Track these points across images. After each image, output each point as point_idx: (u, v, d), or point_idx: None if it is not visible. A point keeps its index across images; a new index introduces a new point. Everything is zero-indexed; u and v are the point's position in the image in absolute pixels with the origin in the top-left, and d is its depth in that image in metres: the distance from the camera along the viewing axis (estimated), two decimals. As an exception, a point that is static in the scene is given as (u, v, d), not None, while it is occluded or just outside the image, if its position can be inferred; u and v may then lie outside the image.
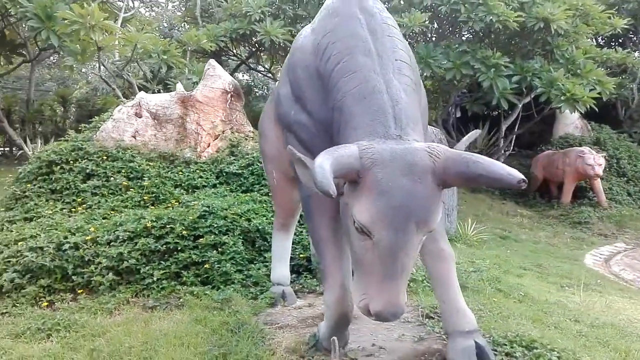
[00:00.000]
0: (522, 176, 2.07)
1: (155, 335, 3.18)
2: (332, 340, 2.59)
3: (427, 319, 3.34)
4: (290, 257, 4.20)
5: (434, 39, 12.78)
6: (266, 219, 4.88)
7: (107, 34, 8.66)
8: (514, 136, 13.87)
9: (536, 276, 6.04)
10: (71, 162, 5.67)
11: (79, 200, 5.33)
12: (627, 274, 7.43)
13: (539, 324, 3.58)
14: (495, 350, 2.73)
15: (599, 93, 10.75)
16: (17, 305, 3.92)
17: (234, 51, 14.02)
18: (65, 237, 4.37)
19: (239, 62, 14.28)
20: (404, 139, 2.28)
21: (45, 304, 3.96)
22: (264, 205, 5.15)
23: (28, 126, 12.30)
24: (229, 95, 6.37)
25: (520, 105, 12.51)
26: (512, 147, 13.81)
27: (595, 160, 11.46)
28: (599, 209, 11.71)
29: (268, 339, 3.08)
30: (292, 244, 4.27)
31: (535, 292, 4.79)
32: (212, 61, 6.75)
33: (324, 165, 2.03)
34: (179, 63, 10.05)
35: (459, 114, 16.90)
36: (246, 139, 6.35)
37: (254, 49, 13.78)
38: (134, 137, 6.02)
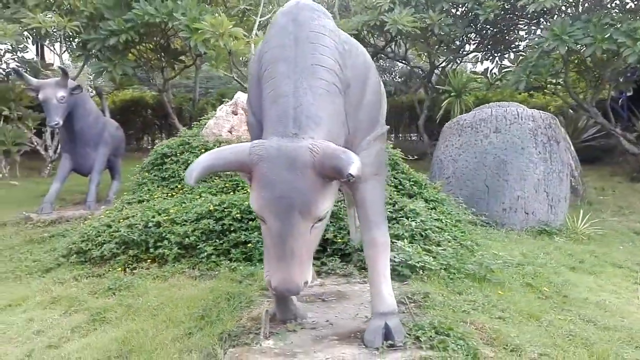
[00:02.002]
0: (352, 171, 2.25)
1: (175, 297, 3.92)
2: (265, 312, 3.01)
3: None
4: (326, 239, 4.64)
5: (577, 13, 11.60)
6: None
7: (235, 40, 9.80)
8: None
9: (624, 274, 5.46)
10: (178, 154, 6.79)
11: (179, 186, 6.40)
12: None
13: (530, 319, 3.48)
14: (408, 334, 2.86)
15: None
16: (111, 270, 5.01)
17: (371, 41, 14.44)
18: (153, 217, 5.38)
19: (374, 52, 14.65)
20: (299, 137, 2.58)
21: (130, 270, 5.00)
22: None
23: (193, 122, 14.45)
24: (238, 109, 6.92)
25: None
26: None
27: None
28: None
29: (251, 308, 3.59)
30: (333, 227, 4.73)
31: (584, 291, 4.46)
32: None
33: (201, 159, 2.48)
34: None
35: (630, 93, 14.97)
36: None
37: (388, 39, 14.05)
38: (230, 132, 6.92)
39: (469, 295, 3.79)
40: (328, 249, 4.98)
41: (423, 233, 5.10)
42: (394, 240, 4.54)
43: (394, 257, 4.24)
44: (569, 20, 10.34)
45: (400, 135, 18.63)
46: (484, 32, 13.64)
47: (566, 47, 10.00)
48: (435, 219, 5.56)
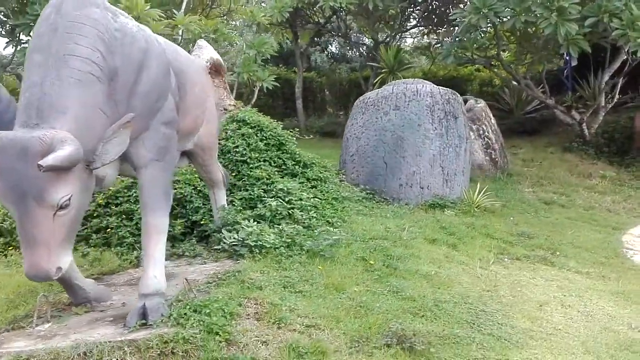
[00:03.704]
0: (43, 162, 2.38)
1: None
2: (40, 295, 3.19)
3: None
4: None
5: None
6: (194, 188, 5.49)
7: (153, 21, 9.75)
8: (618, 87, 12.06)
9: (490, 246, 5.68)
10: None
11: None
12: None
13: (333, 291, 3.67)
14: (171, 314, 3.02)
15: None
16: None
17: (315, 20, 14.42)
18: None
19: (314, 29, 14.67)
20: (40, 127, 2.68)
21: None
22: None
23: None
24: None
25: (626, 50, 10.79)
26: (614, 99, 12.02)
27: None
28: None
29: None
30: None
31: (423, 263, 4.67)
32: (200, 41, 7.39)
33: None
34: (230, 39, 10.86)
35: (574, 63, 15.08)
36: (225, 112, 6.92)
37: (328, 15, 14.04)
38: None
39: (291, 272, 3.97)
40: (195, 231, 5.15)
41: (289, 212, 5.27)
42: (242, 220, 4.71)
43: (234, 237, 4.40)
44: (490, -7, 10.38)
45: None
46: (420, 7, 13.67)
47: (487, 21, 10.09)
48: (312, 197, 5.72)
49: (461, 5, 14.06)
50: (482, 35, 11.75)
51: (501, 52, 12.63)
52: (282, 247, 4.44)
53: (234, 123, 6.35)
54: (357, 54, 18.48)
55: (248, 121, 6.41)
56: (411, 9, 14.14)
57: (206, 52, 7.26)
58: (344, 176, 7.58)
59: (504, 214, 7.47)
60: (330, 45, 20.99)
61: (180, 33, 10.35)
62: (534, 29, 10.85)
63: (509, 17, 10.13)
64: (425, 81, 8.29)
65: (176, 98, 3.52)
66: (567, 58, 14.76)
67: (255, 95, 12.17)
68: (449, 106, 7.65)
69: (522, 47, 12.63)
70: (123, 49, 3.10)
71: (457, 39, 11.20)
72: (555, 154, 12.00)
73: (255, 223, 4.74)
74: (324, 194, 6.09)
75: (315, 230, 4.74)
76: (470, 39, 11.02)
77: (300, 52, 15.25)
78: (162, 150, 3.32)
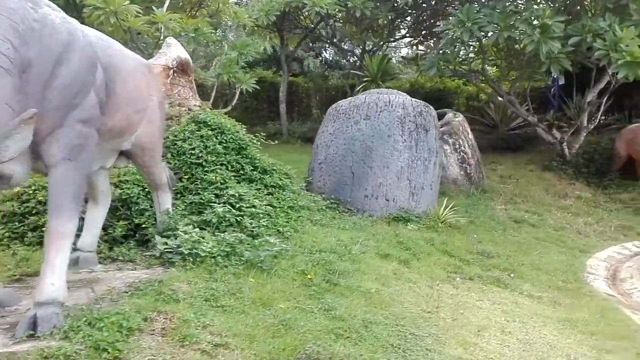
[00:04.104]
0: None
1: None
2: None
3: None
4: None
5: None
6: (143, 189, 5.31)
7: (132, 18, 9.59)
8: (602, 107, 11.98)
9: (445, 263, 5.52)
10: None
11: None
12: (630, 282, 6.17)
13: (259, 307, 3.51)
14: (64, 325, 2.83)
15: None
16: None
17: (304, 25, 14.30)
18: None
19: (302, 34, 14.54)
20: None
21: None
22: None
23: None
24: (171, 71, 6.82)
25: (610, 72, 10.69)
26: (596, 120, 11.94)
27: (676, 136, 9.55)
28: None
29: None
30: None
31: (368, 279, 4.51)
32: (169, 39, 7.24)
33: None
34: (211, 40, 10.71)
35: (562, 81, 15.02)
36: (188, 113, 6.76)
37: (316, 20, 13.92)
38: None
39: (220, 284, 3.79)
40: (137, 234, 4.97)
41: (237, 219, 5.10)
42: (184, 226, 4.55)
43: (169, 243, 4.24)
44: (476, 7, 10.30)
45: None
46: (408, 16, 13.58)
47: (469, 34, 9.98)
48: (265, 205, 5.56)
49: (451, 18, 14.01)
50: (467, 49, 11.65)
51: (487, 67, 12.56)
52: (220, 256, 4.26)
53: (194, 124, 6.19)
54: (348, 61, 18.37)
55: (209, 123, 6.24)
56: (400, 20, 14.03)
57: (174, 50, 7.13)
58: (305, 184, 7.41)
59: (469, 230, 7.33)
60: (324, 51, 20.91)
61: (162, 30, 10.22)
62: (520, 45, 10.76)
63: (492, 32, 10.06)
64: (399, 92, 8.16)
65: (101, 95, 3.36)
66: (555, 76, 14.72)
67: (236, 97, 12.02)
68: (420, 119, 7.52)
69: (507, 62, 12.56)
70: (41, 40, 2.95)
71: (441, 51, 11.08)
72: (534, 171, 11.88)
73: (197, 229, 4.56)
74: (280, 202, 5.93)
75: (256, 240, 4.56)
76: (453, 52, 10.91)
77: (287, 56, 15.12)
78: (76, 149, 3.15)
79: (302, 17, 13.91)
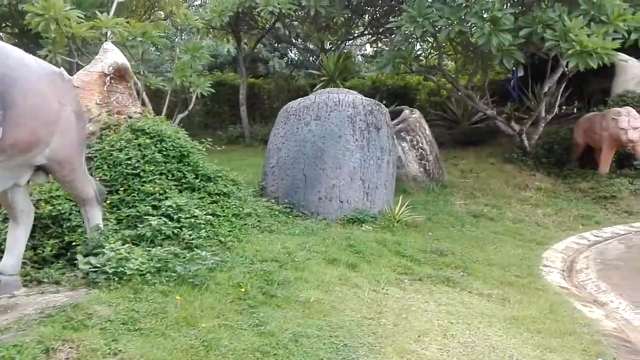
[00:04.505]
0: None
1: None
2: None
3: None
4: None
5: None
6: (75, 205, 5.03)
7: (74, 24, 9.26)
8: (558, 97, 12.04)
9: (395, 265, 5.37)
10: None
11: None
12: (586, 274, 6.08)
13: (182, 327, 3.30)
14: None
15: (622, 43, 8.84)
16: None
17: (259, 24, 14.07)
18: None
19: (259, 35, 14.32)
20: None
21: None
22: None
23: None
24: (108, 78, 6.53)
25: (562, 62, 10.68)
26: (554, 110, 11.96)
27: (630, 124, 9.61)
28: (637, 180, 9.84)
29: None
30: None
31: (310, 288, 4.33)
32: (106, 44, 6.95)
33: None
34: (160, 43, 10.43)
35: (521, 73, 15.09)
36: (127, 121, 6.47)
37: (272, 20, 13.71)
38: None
39: (143, 304, 3.56)
40: (69, 253, 4.71)
41: (173, 231, 4.88)
42: (112, 243, 4.30)
43: (93, 262, 3.99)
44: (427, 2, 10.21)
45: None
46: (364, 14, 13.46)
47: (422, 30, 9.89)
48: (206, 214, 5.34)
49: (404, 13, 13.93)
50: (422, 44, 11.58)
51: (445, 62, 12.53)
52: (149, 273, 4.04)
53: (131, 133, 5.93)
54: (310, 61, 18.20)
55: (147, 131, 5.99)
56: (356, 17, 13.91)
57: (110, 56, 6.83)
58: (260, 189, 7.22)
59: (426, 228, 7.22)
60: (290, 51, 20.70)
61: (109, 36, 9.89)
62: (473, 39, 10.72)
63: (444, 27, 9.98)
64: (350, 91, 8.01)
65: (-5, 109, 3.11)
66: (514, 68, 14.80)
67: (192, 102, 11.75)
68: (371, 117, 7.38)
69: (464, 57, 12.53)
70: None
71: (396, 48, 10.98)
72: (495, 164, 11.87)
73: (127, 246, 4.32)
74: (223, 210, 5.72)
75: (188, 254, 4.34)
76: (408, 48, 10.81)
77: (245, 57, 14.88)
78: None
79: (257, 17, 13.67)
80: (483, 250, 6.63)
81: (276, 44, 18.56)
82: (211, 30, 14.13)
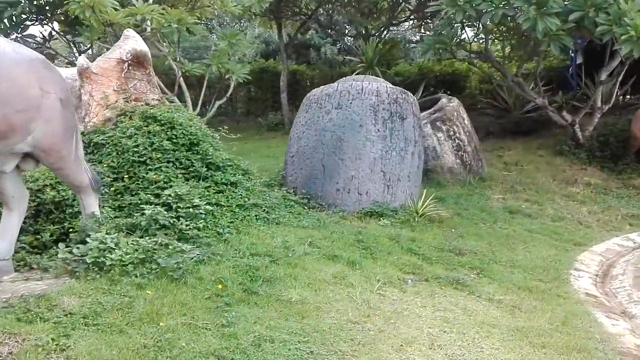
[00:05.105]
0: None
1: None
2: None
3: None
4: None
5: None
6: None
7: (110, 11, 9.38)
8: (617, 87, 11.10)
9: (404, 263, 5.05)
10: None
11: None
12: (620, 280, 5.50)
13: (148, 323, 3.17)
14: None
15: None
16: None
17: (301, 11, 13.87)
18: None
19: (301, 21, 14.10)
20: None
21: None
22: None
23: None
24: (126, 64, 6.52)
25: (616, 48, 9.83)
26: (612, 99, 11.04)
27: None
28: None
29: None
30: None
31: (301, 285, 4.11)
32: (127, 31, 6.94)
33: None
34: (195, 30, 10.45)
35: (580, 60, 14.07)
36: (149, 107, 6.46)
37: (315, 5, 13.45)
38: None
39: (112, 297, 3.46)
40: (67, 239, 4.72)
41: (170, 221, 4.79)
42: (102, 231, 4.26)
43: (74, 251, 3.95)
44: (469, -15, 9.59)
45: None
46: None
47: (463, 13, 9.33)
48: (206, 204, 5.22)
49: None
50: (465, 30, 10.96)
51: (492, 48, 11.84)
52: (131, 264, 3.95)
53: (142, 120, 5.89)
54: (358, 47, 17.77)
55: (159, 118, 5.93)
56: (402, 1, 13.39)
57: (130, 42, 6.81)
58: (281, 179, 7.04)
59: (451, 224, 6.81)
60: (344, 38, 20.33)
61: (149, 23, 9.99)
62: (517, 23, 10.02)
63: (486, 11, 9.35)
64: (377, 78, 7.66)
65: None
66: (573, 55, 13.83)
67: (231, 89, 11.73)
68: (396, 106, 7.00)
69: (514, 42, 11.77)
70: None
71: (437, 33, 10.44)
72: (544, 157, 11.13)
73: (115, 235, 4.26)
74: (228, 200, 5.58)
75: (170, 247, 4.21)
76: (450, 33, 10.25)
77: (287, 43, 14.71)
78: None
79: (299, 2, 13.44)
80: (511, 249, 6.17)
81: (329, 31, 18.24)
82: (254, 17, 14.03)
